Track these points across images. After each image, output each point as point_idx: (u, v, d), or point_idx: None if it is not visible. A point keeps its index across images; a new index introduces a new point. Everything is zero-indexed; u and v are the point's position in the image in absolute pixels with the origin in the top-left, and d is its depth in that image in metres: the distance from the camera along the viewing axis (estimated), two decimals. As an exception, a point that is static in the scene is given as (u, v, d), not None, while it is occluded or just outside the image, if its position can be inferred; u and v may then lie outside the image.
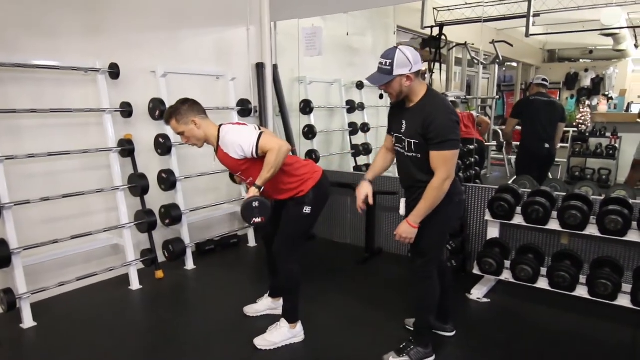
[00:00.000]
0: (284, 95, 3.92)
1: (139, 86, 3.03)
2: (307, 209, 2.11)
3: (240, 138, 1.99)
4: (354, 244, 3.69)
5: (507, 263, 2.75)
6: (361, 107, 4.64)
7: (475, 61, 4.79)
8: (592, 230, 2.47)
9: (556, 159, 4.05)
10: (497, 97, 5.78)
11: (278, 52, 3.91)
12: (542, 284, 2.60)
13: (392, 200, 3.42)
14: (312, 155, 3.99)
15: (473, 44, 4.55)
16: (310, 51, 3.66)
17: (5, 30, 2.44)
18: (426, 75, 4.37)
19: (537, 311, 2.57)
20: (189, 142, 2.11)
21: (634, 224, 2.41)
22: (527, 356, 2.15)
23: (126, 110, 2.90)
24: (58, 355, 2.17)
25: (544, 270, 2.64)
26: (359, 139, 4.60)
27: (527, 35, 3.57)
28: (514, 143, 4.69)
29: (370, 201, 2.06)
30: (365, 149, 4.52)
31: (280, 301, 2.36)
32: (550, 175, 3.85)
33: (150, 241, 3.03)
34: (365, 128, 4.62)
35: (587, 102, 5.55)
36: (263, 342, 2.18)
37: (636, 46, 5.29)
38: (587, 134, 4.77)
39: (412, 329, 2.19)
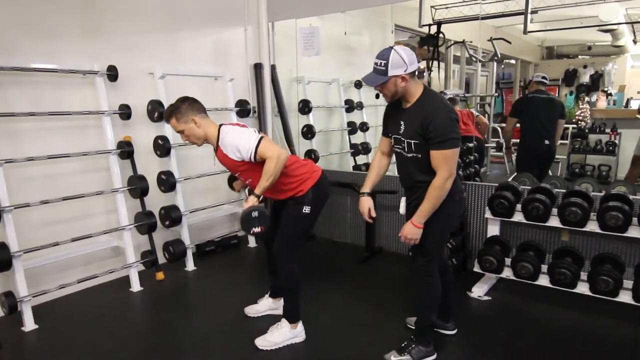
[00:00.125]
0: (283, 95, 3.91)
1: (137, 88, 3.03)
2: (306, 209, 2.11)
3: (240, 140, 1.99)
4: (354, 243, 3.68)
5: (508, 261, 2.75)
6: (360, 106, 4.64)
7: (474, 59, 4.79)
8: (592, 226, 2.47)
9: (556, 156, 4.05)
10: (496, 94, 5.79)
11: (276, 53, 3.91)
12: (543, 281, 2.60)
13: (392, 199, 3.42)
14: (311, 155, 3.99)
15: (471, 42, 4.55)
16: (308, 51, 3.65)
17: (3, 33, 2.44)
18: (425, 74, 4.37)
19: (538, 308, 2.57)
20: (189, 140, 2.11)
21: (635, 220, 2.41)
22: (529, 354, 2.14)
23: (125, 112, 2.90)
24: (60, 358, 2.17)
25: (544, 268, 2.64)
26: (358, 138, 4.60)
27: (525, 32, 3.57)
28: (514, 140, 4.68)
29: (373, 214, 2.07)
30: (365, 148, 4.52)
31: (281, 301, 2.36)
32: (550, 172, 3.85)
33: (150, 243, 3.03)
34: (364, 127, 4.62)
35: (586, 99, 5.55)
36: (264, 342, 2.18)
37: (635, 42, 5.28)
38: (587, 131, 4.77)
39: (413, 327, 2.19)
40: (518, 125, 4.04)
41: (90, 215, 2.90)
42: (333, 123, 4.58)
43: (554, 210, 2.58)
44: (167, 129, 3.07)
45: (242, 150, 1.97)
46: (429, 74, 4.32)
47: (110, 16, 2.88)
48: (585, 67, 6.06)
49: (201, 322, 2.47)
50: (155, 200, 3.08)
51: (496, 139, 5.05)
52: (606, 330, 2.34)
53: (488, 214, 2.79)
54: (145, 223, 2.92)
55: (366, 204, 2.07)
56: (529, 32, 3.75)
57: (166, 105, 3.00)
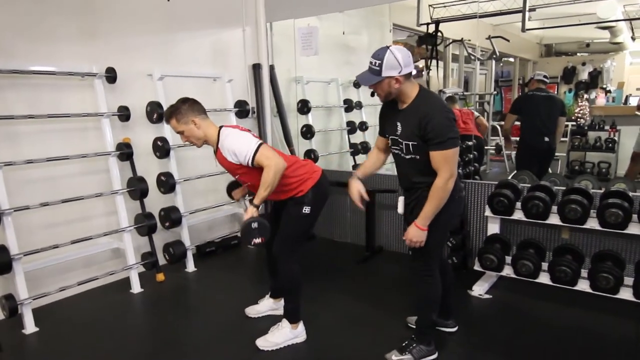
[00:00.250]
0: (281, 95, 3.91)
1: (136, 90, 3.03)
2: (306, 209, 2.11)
3: (238, 145, 1.99)
4: (354, 243, 3.68)
5: (508, 259, 2.75)
6: (359, 105, 4.64)
7: (472, 57, 4.79)
8: (592, 223, 2.47)
9: (556, 154, 4.05)
10: (495, 92, 5.79)
11: (274, 53, 3.90)
12: (544, 278, 2.60)
13: (391, 198, 3.41)
14: (310, 154, 3.99)
15: (469, 40, 4.54)
16: (307, 51, 3.65)
17: (1, 36, 2.44)
18: (423, 73, 4.37)
19: (539, 306, 2.57)
20: (189, 141, 2.12)
21: (635, 216, 2.41)
22: (530, 352, 2.14)
23: (124, 114, 2.90)
24: (60, 360, 2.17)
25: (545, 265, 2.64)
26: (358, 137, 4.60)
27: (523, 30, 3.56)
28: (513, 138, 4.68)
29: (365, 196, 2.04)
30: (364, 148, 4.52)
31: (282, 302, 2.36)
32: (550, 170, 3.85)
33: (150, 244, 3.03)
34: (363, 126, 4.62)
35: (585, 96, 5.55)
36: (265, 342, 2.18)
37: (633, 38, 5.29)
38: (586, 128, 4.76)
39: (414, 326, 2.19)
40: (518, 123, 4.04)
41: (90, 217, 2.90)
42: (332, 123, 4.58)
43: (554, 208, 2.58)
44: (166, 130, 3.07)
45: (239, 155, 1.98)
46: (428, 73, 4.32)
47: (108, 18, 2.88)
48: (583, 64, 6.07)
49: (202, 323, 2.47)
50: (155, 201, 3.08)
51: (496, 139, 5.06)
52: (607, 327, 2.34)
53: (488, 212, 2.79)
54: (145, 224, 2.92)
55: (355, 186, 2.04)
56: (527, 29, 3.74)
57: (165, 107, 3.00)
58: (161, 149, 3.06)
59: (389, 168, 2.21)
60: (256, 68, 3.80)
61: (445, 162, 1.75)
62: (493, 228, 2.85)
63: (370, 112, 4.76)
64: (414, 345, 2.04)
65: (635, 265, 2.49)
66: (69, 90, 2.75)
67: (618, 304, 2.43)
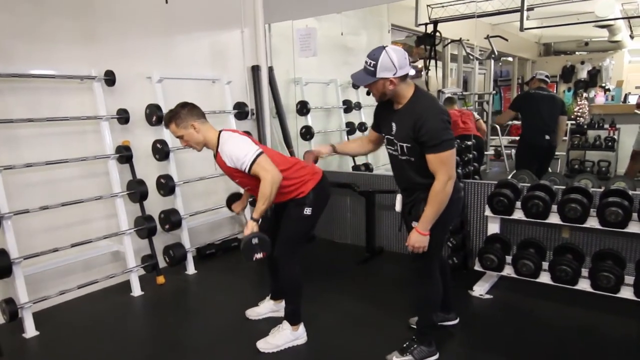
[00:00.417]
0: (280, 96, 3.91)
1: (135, 92, 3.03)
2: (307, 210, 2.11)
3: (237, 151, 1.99)
4: (354, 244, 3.68)
5: (509, 258, 2.74)
6: (358, 106, 4.64)
7: (471, 57, 4.79)
8: (592, 222, 2.46)
9: (555, 153, 4.05)
10: (494, 92, 5.79)
11: (273, 54, 3.90)
12: (544, 278, 2.60)
13: (391, 198, 3.41)
14: (310, 156, 3.98)
15: (468, 40, 4.55)
16: (305, 52, 3.65)
17: (0, 40, 2.44)
18: (422, 73, 4.37)
19: (540, 306, 2.57)
20: (188, 145, 2.12)
21: (635, 215, 2.40)
22: (531, 351, 2.14)
23: (123, 117, 2.90)
24: (61, 364, 2.17)
25: (545, 265, 2.63)
26: (357, 138, 4.59)
27: (522, 29, 3.56)
28: (513, 138, 4.68)
29: (318, 154, 2.19)
30: (364, 148, 4.51)
31: (282, 303, 2.36)
32: (549, 169, 3.85)
33: (150, 247, 3.02)
34: (362, 127, 4.62)
35: (585, 95, 5.55)
36: (266, 344, 2.18)
37: (631, 37, 5.29)
38: (585, 127, 4.77)
39: (416, 327, 2.18)
40: (518, 122, 4.04)
41: (90, 220, 2.89)
42: (331, 124, 4.58)
43: (554, 207, 2.57)
44: (165, 133, 3.07)
45: (236, 161, 1.99)
46: (427, 73, 4.32)
47: (106, 21, 2.88)
48: (582, 63, 6.07)
49: (202, 326, 2.47)
50: (155, 204, 3.08)
51: (495, 139, 5.06)
52: (608, 326, 2.34)
53: (488, 212, 2.79)
54: (145, 227, 2.92)
55: (322, 148, 2.18)
56: (526, 29, 3.75)
57: (164, 109, 3.01)
58: (160, 151, 3.06)
59: (389, 169, 2.22)
60: (255, 70, 3.80)
61: (442, 165, 1.74)
62: (493, 228, 2.85)
63: (369, 112, 4.73)
64: (415, 346, 2.03)
65: (636, 263, 2.48)
66: (68, 94, 2.75)
67: (619, 303, 2.42)
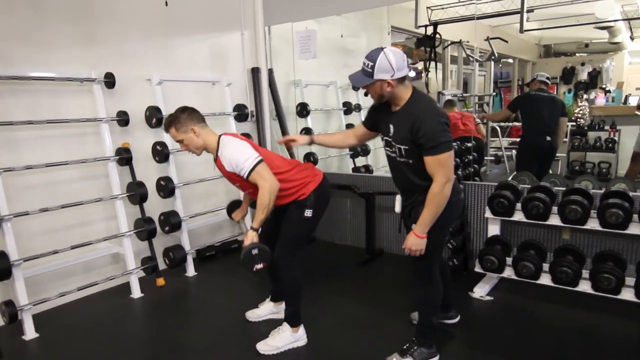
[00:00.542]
0: (280, 98, 3.92)
1: (135, 94, 3.04)
2: (308, 212, 2.11)
3: (236, 157, 1.99)
4: (354, 246, 3.67)
5: (509, 260, 2.73)
6: (358, 108, 4.64)
7: (471, 59, 4.79)
8: (593, 224, 2.46)
9: (556, 154, 4.05)
10: (494, 93, 5.79)
11: (273, 56, 3.91)
12: (545, 280, 2.59)
13: (391, 200, 3.40)
14: (310, 157, 3.98)
15: (468, 42, 4.55)
16: (305, 54, 3.66)
17: (0, 42, 2.45)
18: (422, 74, 4.37)
19: (541, 307, 2.56)
20: (188, 149, 2.13)
21: (635, 216, 2.40)
22: (531, 353, 2.13)
23: (123, 119, 2.90)
24: (60, 366, 2.16)
25: (546, 266, 2.63)
26: (357, 140, 4.59)
27: (522, 30, 3.57)
28: (514, 139, 4.68)
29: (293, 141, 2.21)
30: (364, 150, 4.51)
31: (282, 305, 2.35)
32: (550, 171, 3.85)
33: (150, 249, 3.02)
34: (363, 129, 4.61)
35: (585, 96, 5.55)
36: (266, 346, 2.17)
37: (632, 38, 5.29)
38: (586, 128, 4.77)
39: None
40: (518, 123, 4.04)
41: (90, 222, 2.89)
42: (331, 125, 4.58)
43: (554, 209, 2.57)
44: (165, 135, 3.07)
45: (235, 166, 1.99)
46: (427, 75, 4.33)
47: (106, 23, 2.89)
48: (582, 64, 6.08)
49: (202, 328, 2.46)
50: (155, 206, 3.08)
51: (495, 140, 5.06)
52: (609, 328, 2.33)
53: (488, 214, 2.78)
54: (144, 229, 2.92)
55: (299, 137, 2.21)
56: (526, 30, 3.76)
57: (164, 111, 3.01)
58: (160, 153, 3.06)
59: (389, 170, 2.22)
60: (255, 72, 3.80)
61: (440, 167, 1.73)
62: (493, 229, 2.84)
63: (370, 114, 4.75)
64: (415, 347, 2.03)
65: (637, 265, 2.47)
66: (68, 96, 2.75)
67: (619, 305, 2.42)
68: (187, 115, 2.07)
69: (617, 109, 5.35)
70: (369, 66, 1.73)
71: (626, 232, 2.38)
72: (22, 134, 2.57)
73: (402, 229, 2.11)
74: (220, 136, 2.10)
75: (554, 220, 2.56)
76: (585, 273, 2.52)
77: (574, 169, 4.64)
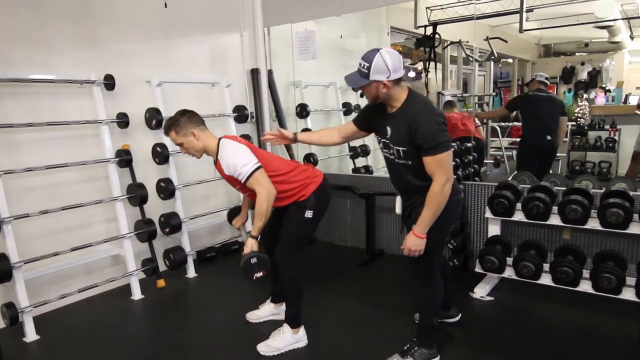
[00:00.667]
0: (280, 99, 3.92)
1: (134, 96, 3.04)
2: (309, 213, 2.11)
3: (235, 162, 2.00)
4: (354, 246, 3.67)
5: (509, 260, 2.73)
6: (357, 109, 4.63)
7: (471, 59, 4.79)
8: (593, 224, 2.45)
9: (557, 154, 4.04)
10: (494, 93, 5.79)
11: (272, 57, 3.91)
12: (545, 280, 2.59)
13: (391, 201, 3.40)
14: (310, 158, 3.98)
15: (467, 42, 4.55)
16: (304, 55, 3.66)
17: (0, 44, 2.45)
18: (422, 75, 4.37)
19: (541, 308, 2.56)
20: (188, 152, 2.13)
21: (636, 216, 2.39)
22: (532, 353, 2.13)
23: (123, 121, 2.91)
24: (61, 369, 2.16)
25: (546, 266, 2.62)
26: (357, 140, 4.59)
27: (521, 30, 3.57)
28: (514, 139, 4.67)
29: (275, 142, 2.20)
30: (363, 151, 4.52)
31: (283, 306, 2.35)
32: (550, 170, 3.85)
33: (150, 250, 3.03)
34: (363, 129, 4.61)
35: (585, 96, 5.55)
36: (266, 348, 2.17)
37: (631, 37, 5.29)
38: (586, 128, 4.77)
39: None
40: (518, 123, 4.04)
41: (90, 224, 2.90)
42: (331, 126, 4.57)
43: (555, 209, 2.56)
44: (165, 137, 3.07)
45: (233, 171, 2.01)
46: (426, 75, 4.33)
47: (106, 25, 2.89)
48: (582, 64, 6.07)
49: (203, 329, 2.46)
50: (155, 207, 3.08)
51: (495, 140, 5.05)
52: (609, 328, 2.33)
53: (488, 214, 2.78)
54: (145, 231, 2.92)
55: (284, 134, 2.17)
56: (525, 30, 3.76)
57: (164, 113, 3.01)
58: (160, 155, 3.06)
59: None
60: (254, 73, 3.80)
61: (439, 167, 1.73)
62: (494, 230, 2.84)
63: (370, 115, 4.75)
64: (416, 348, 2.03)
65: (637, 265, 2.47)
66: (68, 98, 2.76)
67: (620, 305, 2.41)
68: (186, 118, 2.08)
69: (617, 108, 5.34)
70: (365, 67, 1.72)
71: (627, 231, 2.38)
72: (22, 136, 2.57)
73: (404, 230, 2.11)
74: (220, 139, 2.11)
75: (554, 220, 2.56)
76: (586, 273, 2.52)
77: (575, 168, 4.63)
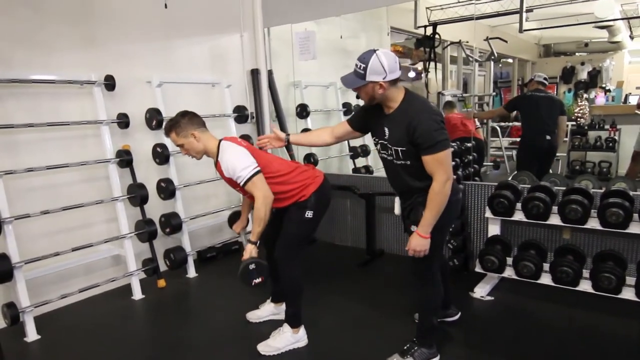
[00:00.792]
0: (280, 100, 3.93)
1: (135, 97, 3.05)
2: (309, 213, 2.12)
3: (233, 165, 2.01)
4: (354, 247, 3.68)
5: (509, 260, 2.73)
6: (358, 109, 4.64)
7: (471, 59, 4.80)
8: (593, 223, 2.46)
9: (556, 154, 4.04)
10: (494, 93, 5.80)
11: (272, 58, 3.92)
12: (545, 279, 2.59)
13: (391, 201, 3.40)
14: (310, 159, 3.99)
15: (467, 42, 4.55)
16: (305, 55, 3.67)
17: (0, 45, 2.46)
18: (422, 75, 4.37)
19: (541, 307, 2.56)
20: (188, 154, 2.14)
21: (636, 216, 2.39)
22: (532, 353, 2.13)
23: (123, 121, 2.91)
24: (62, 368, 2.17)
25: (546, 266, 2.62)
26: (357, 140, 4.59)
27: (521, 30, 3.58)
28: (514, 139, 4.67)
29: (269, 146, 2.19)
30: (364, 151, 4.52)
31: (283, 306, 2.35)
32: (550, 170, 3.85)
33: (151, 250, 3.03)
34: (363, 130, 4.61)
35: (585, 96, 5.55)
36: (266, 347, 2.17)
37: (631, 37, 5.29)
38: (586, 127, 4.77)
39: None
40: (519, 124, 4.04)
41: (91, 224, 2.90)
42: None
43: (555, 209, 2.57)
44: (165, 137, 3.08)
45: (232, 174, 2.02)
46: (426, 75, 4.33)
47: (106, 26, 2.90)
48: (582, 64, 6.08)
49: (203, 329, 2.47)
50: (155, 207, 3.09)
51: (496, 140, 5.06)
52: (609, 327, 2.33)
53: (488, 214, 2.78)
54: (145, 231, 2.93)
55: (277, 134, 2.17)
56: (525, 30, 3.76)
57: (164, 113, 3.02)
58: (161, 155, 3.07)
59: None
60: (254, 73, 3.81)
61: (439, 165, 1.73)
62: (494, 229, 2.84)
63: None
64: (416, 348, 2.03)
65: (637, 264, 2.47)
66: (68, 99, 2.76)
67: (620, 304, 2.41)
68: (187, 119, 2.09)
69: (617, 108, 5.35)
70: (361, 68, 1.72)
71: (626, 231, 2.38)
72: (23, 137, 2.58)
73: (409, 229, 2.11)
74: (220, 141, 2.11)
75: (554, 220, 2.56)
76: (586, 273, 2.52)
77: (575, 168, 4.63)
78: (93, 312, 2.71)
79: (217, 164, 2.11)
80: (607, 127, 4.59)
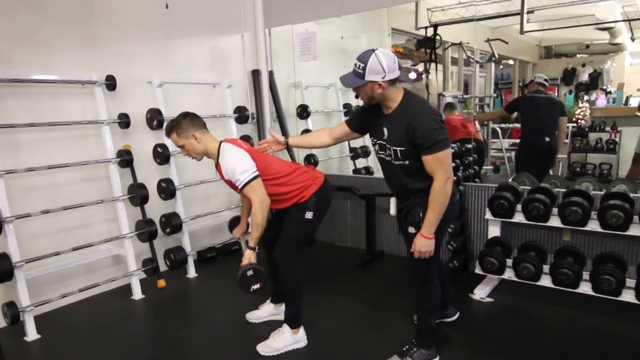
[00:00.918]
0: (281, 100, 3.93)
1: (135, 97, 3.05)
2: (309, 214, 2.12)
3: (233, 168, 2.02)
4: (354, 247, 3.68)
5: (509, 262, 2.73)
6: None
7: (471, 60, 4.80)
8: (593, 225, 2.46)
9: (557, 155, 4.04)
10: (495, 95, 5.79)
11: (273, 58, 3.92)
12: (545, 281, 2.59)
13: (392, 201, 3.41)
14: (310, 159, 3.99)
15: (468, 43, 4.55)
16: (305, 56, 3.67)
17: (1, 45, 2.46)
18: (423, 76, 4.37)
19: (541, 309, 2.56)
20: (189, 155, 2.15)
21: (636, 218, 2.40)
22: (532, 354, 2.13)
23: (124, 121, 2.92)
24: (61, 368, 2.17)
25: (546, 268, 2.63)
26: (357, 141, 4.59)
27: (522, 32, 3.57)
28: (514, 140, 4.66)
29: (269, 149, 2.20)
30: (364, 152, 4.52)
31: (282, 307, 2.36)
32: (550, 172, 3.85)
33: (151, 250, 3.03)
34: (363, 130, 4.61)
35: (586, 97, 5.55)
36: (266, 348, 2.17)
37: (632, 39, 5.28)
38: (587, 129, 4.76)
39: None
40: (519, 125, 4.04)
41: (91, 224, 2.91)
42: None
43: (555, 210, 2.57)
44: (166, 138, 3.08)
45: (232, 177, 2.03)
46: (427, 76, 4.33)
47: (107, 26, 2.90)
48: (583, 65, 6.06)
49: (203, 329, 2.47)
50: (156, 207, 3.09)
51: (496, 142, 5.05)
52: (609, 329, 2.33)
53: (488, 215, 2.78)
54: (145, 231, 2.93)
55: (276, 139, 2.18)
56: (526, 32, 3.75)
57: (165, 114, 3.03)
58: (161, 155, 3.07)
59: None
60: (255, 74, 3.81)
61: (439, 165, 1.74)
62: (494, 231, 2.84)
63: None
64: (415, 349, 2.03)
65: (637, 267, 2.48)
66: (69, 98, 2.77)
67: (620, 306, 2.41)
68: (188, 121, 2.09)
69: (618, 110, 5.33)
70: (360, 67, 1.72)
71: (626, 233, 2.38)
72: (24, 137, 2.58)
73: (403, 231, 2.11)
74: (221, 142, 2.12)
75: (554, 221, 2.56)
76: (586, 275, 2.52)
77: (575, 170, 4.62)
78: (93, 311, 2.71)
79: (217, 166, 2.12)
80: (607, 129, 4.59)
